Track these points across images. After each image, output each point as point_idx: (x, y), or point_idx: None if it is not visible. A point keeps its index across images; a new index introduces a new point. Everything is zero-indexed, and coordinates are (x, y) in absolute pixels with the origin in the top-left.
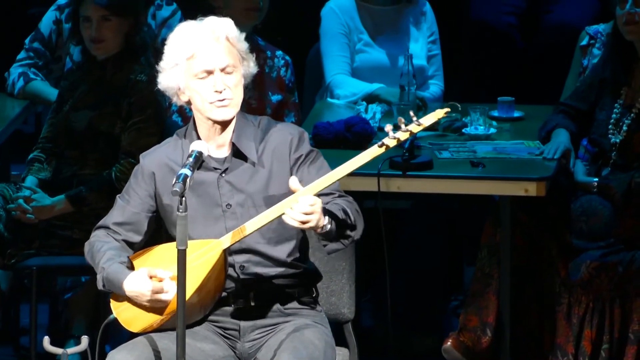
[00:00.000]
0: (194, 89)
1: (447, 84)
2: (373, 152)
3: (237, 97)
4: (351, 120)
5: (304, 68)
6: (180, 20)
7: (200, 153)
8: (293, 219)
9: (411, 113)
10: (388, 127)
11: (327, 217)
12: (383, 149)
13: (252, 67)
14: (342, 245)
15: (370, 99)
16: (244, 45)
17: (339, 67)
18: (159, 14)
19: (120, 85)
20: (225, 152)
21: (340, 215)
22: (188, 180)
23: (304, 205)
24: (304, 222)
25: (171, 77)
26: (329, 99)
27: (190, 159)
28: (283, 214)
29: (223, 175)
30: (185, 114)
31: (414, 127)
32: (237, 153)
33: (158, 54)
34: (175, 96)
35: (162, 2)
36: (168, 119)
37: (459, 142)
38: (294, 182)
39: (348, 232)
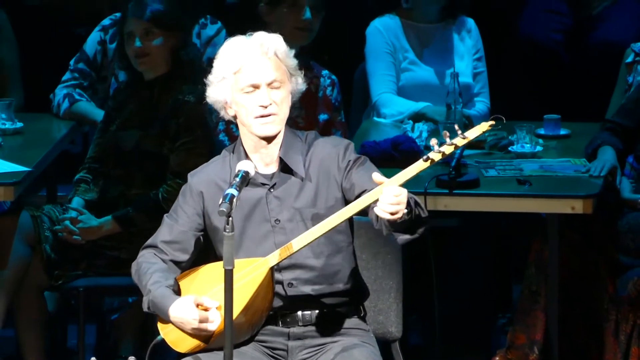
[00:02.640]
0: (240, 103)
1: (494, 101)
2: (418, 166)
3: (282, 112)
4: (398, 139)
5: (350, 87)
6: (225, 39)
7: (247, 173)
8: (384, 211)
9: (456, 127)
10: (433, 141)
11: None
12: (428, 163)
13: (300, 84)
14: (416, 234)
15: (417, 117)
16: (293, 62)
17: (385, 86)
18: (203, 32)
19: (168, 106)
20: (273, 168)
21: (413, 204)
22: (235, 200)
23: (390, 196)
24: (393, 213)
25: (219, 90)
26: (375, 118)
27: (237, 179)
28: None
29: (271, 190)
30: (232, 133)
31: (459, 141)
32: (284, 168)
33: (204, 73)
34: (222, 110)
35: (207, 21)
36: (215, 139)
37: (505, 160)
38: (377, 175)
39: (421, 222)
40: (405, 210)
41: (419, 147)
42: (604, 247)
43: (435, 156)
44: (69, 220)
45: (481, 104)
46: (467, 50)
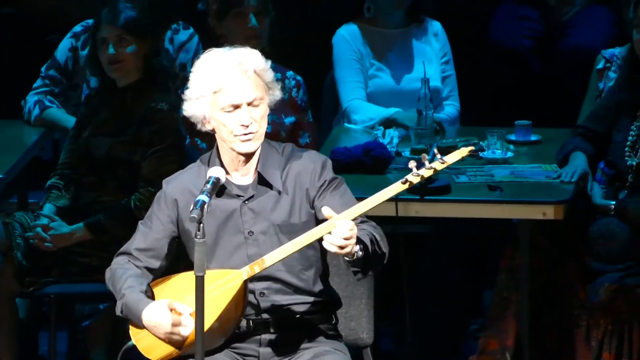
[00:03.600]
0: (220, 120)
1: (464, 106)
2: (396, 188)
3: (262, 129)
4: (369, 145)
5: (320, 89)
6: (198, 44)
7: (218, 179)
8: (332, 244)
9: (435, 151)
10: (412, 164)
11: (358, 245)
12: (407, 186)
13: (277, 95)
14: (370, 272)
15: (388, 123)
16: (271, 75)
17: (355, 93)
18: (176, 38)
19: (141, 113)
20: (249, 179)
21: (369, 242)
22: (205, 206)
23: (343, 230)
24: (342, 247)
25: (197, 107)
26: (346, 124)
27: (208, 185)
28: (321, 239)
29: (246, 202)
30: (197, 145)
31: (438, 165)
32: (261, 181)
33: (176, 78)
34: (200, 124)
35: (179, 27)
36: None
37: (476, 166)
38: (327, 209)
39: (377, 260)
40: (357, 247)
41: (389, 153)
42: (575, 253)
43: (414, 179)
44: (41, 227)
45: (451, 107)
46: (434, 54)
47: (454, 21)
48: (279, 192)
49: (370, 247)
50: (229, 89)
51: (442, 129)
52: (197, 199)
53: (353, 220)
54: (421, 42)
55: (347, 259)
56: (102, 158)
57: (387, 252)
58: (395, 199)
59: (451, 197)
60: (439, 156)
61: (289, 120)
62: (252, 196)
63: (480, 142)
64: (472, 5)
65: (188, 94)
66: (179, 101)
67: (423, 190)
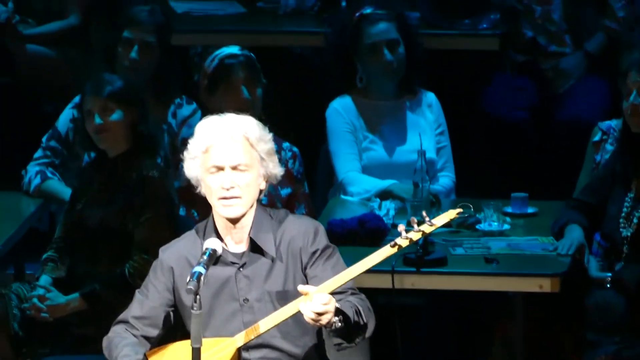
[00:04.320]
0: (206, 182)
1: (459, 177)
2: (386, 252)
3: (247, 196)
4: (365, 217)
5: (316, 157)
6: (201, 119)
7: (214, 251)
8: (306, 316)
9: (424, 213)
10: (401, 227)
11: (338, 316)
12: (396, 249)
13: (274, 168)
14: (352, 343)
15: (384, 195)
16: (267, 146)
17: (350, 165)
18: (179, 112)
19: (132, 181)
20: (243, 246)
21: (352, 314)
22: (202, 278)
23: (317, 304)
24: (316, 320)
25: (191, 168)
26: (342, 196)
27: (204, 257)
28: (298, 311)
29: (241, 269)
30: (194, 218)
31: (427, 228)
32: (255, 248)
33: (177, 153)
34: (198, 186)
35: (183, 101)
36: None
37: (473, 238)
38: (302, 287)
39: (359, 331)
40: (336, 318)
41: (386, 225)
42: (572, 325)
43: (403, 242)
44: (37, 297)
45: (446, 178)
46: (429, 125)
47: (447, 91)
48: (272, 259)
49: (352, 318)
50: (214, 150)
51: (438, 201)
52: (194, 270)
53: (341, 288)
54: (415, 113)
55: (327, 328)
56: (95, 228)
57: (371, 325)
58: (392, 270)
59: (447, 269)
60: (427, 219)
61: (285, 191)
62: (245, 263)
63: (477, 214)
64: (465, 75)
65: (185, 154)
66: (177, 174)
67: (419, 262)
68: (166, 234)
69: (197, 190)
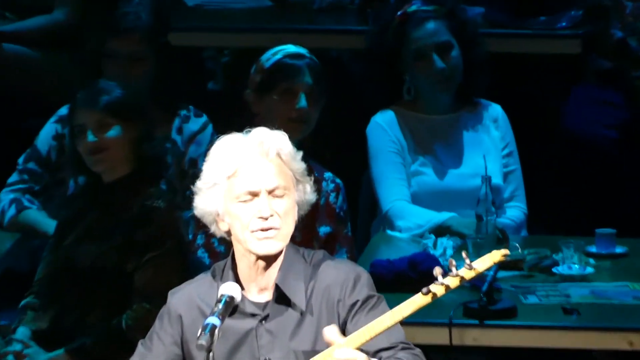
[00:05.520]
0: (235, 213)
1: (532, 210)
2: (418, 301)
3: (286, 227)
4: (416, 258)
5: (356, 194)
6: (212, 136)
7: (232, 298)
8: None
9: (463, 254)
10: (437, 270)
11: None
12: (429, 298)
13: (308, 193)
14: None
15: (440, 231)
16: (300, 166)
17: (397, 193)
18: (186, 127)
19: (133, 213)
20: (267, 295)
21: None
22: (216, 331)
23: None
24: None
25: (209, 199)
26: (388, 232)
27: (220, 305)
28: None
29: (263, 322)
30: (213, 248)
31: (466, 273)
32: (281, 297)
33: (185, 177)
34: (213, 224)
35: (190, 114)
36: (192, 254)
37: (548, 284)
38: (330, 331)
39: None
40: None
41: (442, 267)
42: None
43: (438, 290)
44: (13, 354)
45: (516, 209)
46: (493, 145)
47: (516, 105)
48: (302, 313)
49: None
50: (246, 172)
51: (506, 238)
52: (207, 322)
53: (389, 344)
54: (476, 130)
55: None
56: (86, 270)
57: None
58: (449, 323)
59: (517, 321)
60: (467, 261)
61: (323, 230)
62: (269, 315)
63: (553, 255)
64: (539, 85)
65: (199, 184)
66: (186, 203)
67: (483, 313)
68: (174, 277)
69: (212, 231)
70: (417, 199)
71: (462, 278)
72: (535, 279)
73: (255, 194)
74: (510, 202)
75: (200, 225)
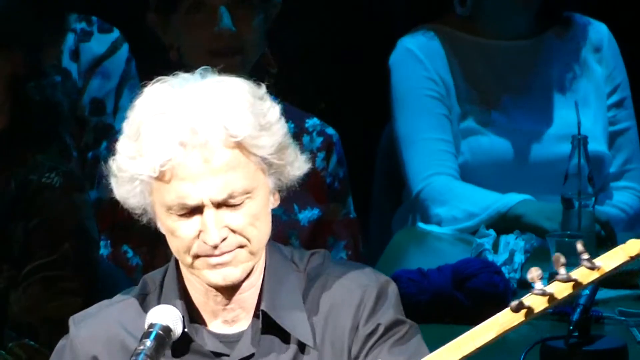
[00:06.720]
0: (169, 228)
1: None
2: (501, 323)
3: (256, 239)
4: (466, 268)
5: (369, 161)
6: (129, 63)
7: (166, 330)
8: None
9: (579, 246)
10: (534, 273)
11: None
12: (522, 316)
13: (296, 168)
14: None
15: (504, 222)
16: (274, 137)
17: (437, 164)
18: (84, 48)
19: (9, 193)
20: (242, 324)
21: None
22: None
23: None
24: None
25: (129, 192)
26: (419, 224)
27: (148, 341)
28: None
29: None
30: (126, 263)
31: (584, 275)
32: (269, 325)
33: (86, 130)
34: (145, 215)
35: (92, 27)
36: (104, 262)
37: None
38: None
39: None
40: None
41: (507, 282)
42: None
43: (534, 302)
44: None
45: (628, 192)
46: (594, 87)
47: (626, 26)
48: (303, 349)
49: None
50: (178, 175)
51: (612, 236)
52: None
53: None
54: (567, 65)
55: None
56: None
57: None
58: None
59: None
60: (584, 256)
61: (306, 215)
62: (253, 355)
63: None
64: None
65: (113, 166)
66: (90, 177)
67: (572, 354)
68: (72, 299)
69: (143, 220)
70: (469, 173)
71: (577, 283)
72: None
73: (194, 209)
74: (621, 180)
75: (107, 220)
